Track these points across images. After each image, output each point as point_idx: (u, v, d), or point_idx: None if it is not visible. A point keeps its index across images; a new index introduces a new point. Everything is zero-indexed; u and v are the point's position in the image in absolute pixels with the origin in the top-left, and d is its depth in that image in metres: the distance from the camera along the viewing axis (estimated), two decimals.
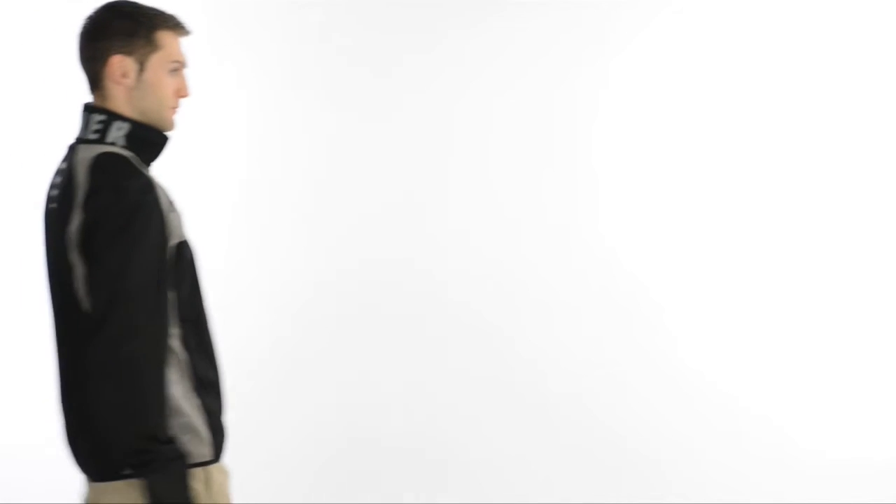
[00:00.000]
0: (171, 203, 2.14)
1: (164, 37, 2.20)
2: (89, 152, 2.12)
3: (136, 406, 2.01)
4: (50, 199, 2.19)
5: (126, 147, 2.16)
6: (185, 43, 2.25)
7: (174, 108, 2.22)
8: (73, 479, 4.22)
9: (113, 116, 2.17)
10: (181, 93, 2.22)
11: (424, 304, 4.58)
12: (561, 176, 4.58)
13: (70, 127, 2.25)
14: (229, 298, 4.51)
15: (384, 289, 4.54)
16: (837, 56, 4.50)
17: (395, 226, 4.58)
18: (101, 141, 2.16)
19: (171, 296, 2.12)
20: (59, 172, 2.20)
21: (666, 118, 4.55)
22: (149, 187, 2.08)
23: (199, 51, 4.35)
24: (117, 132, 2.17)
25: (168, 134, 2.24)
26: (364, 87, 4.55)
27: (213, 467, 2.15)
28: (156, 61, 2.18)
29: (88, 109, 2.19)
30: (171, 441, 2.05)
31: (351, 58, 4.56)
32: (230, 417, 2.27)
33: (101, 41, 2.17)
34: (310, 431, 4.39)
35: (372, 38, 4.55)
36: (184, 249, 2.15)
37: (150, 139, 2.20)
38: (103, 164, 2.09)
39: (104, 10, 2.22)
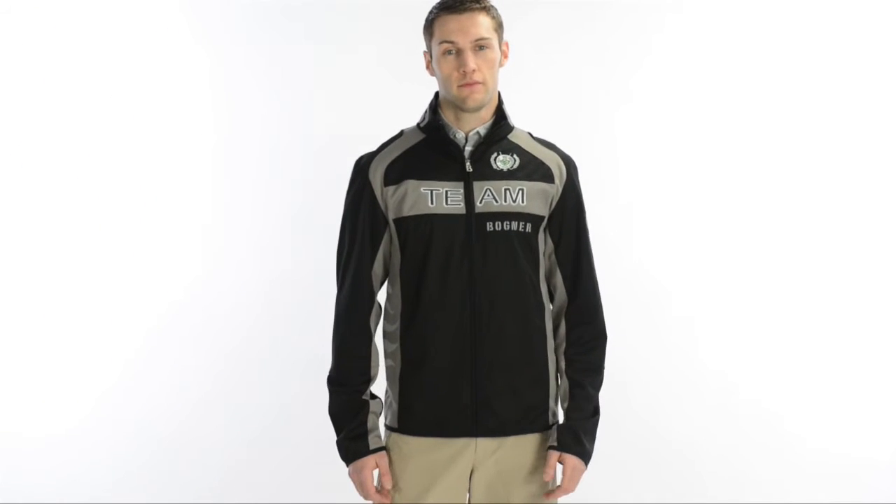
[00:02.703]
0: (397, 179, 2.33)
1: (436, 23, 2.33)
2: None
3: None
4: None
5: (422, 129, 2.40)
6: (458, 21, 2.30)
7: (462, 85, 2.30)
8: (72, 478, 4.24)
9: (432, 102, 2.42)
10: (461, 69, 2.29)
11: None
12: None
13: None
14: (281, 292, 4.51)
15: None
16: (876, 66, 4.52)
17: None
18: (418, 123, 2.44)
19: (395, 269, 2.37)
20: None
21: (685, 124, 4.57)
22: (363, 164, 2.39)
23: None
24: (422, 114, 2.43)
25: (454, 119, 2.36)
26: (372, 88, 4.55)
27: (397, 435, 2.39)
28: (434, 48, 2.34)
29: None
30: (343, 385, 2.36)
31: (360, 57, 4.56)
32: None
33: None
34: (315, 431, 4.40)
35: (379, 39, 4.55)
36: (406, 224, 2.32)
37: (431, 122, 2.38)
38: None
39: None
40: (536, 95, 4.36)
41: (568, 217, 2.42)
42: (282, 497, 4.23)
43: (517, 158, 2.38)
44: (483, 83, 2.31)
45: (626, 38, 4.55)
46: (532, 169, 2.38)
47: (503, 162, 2.37)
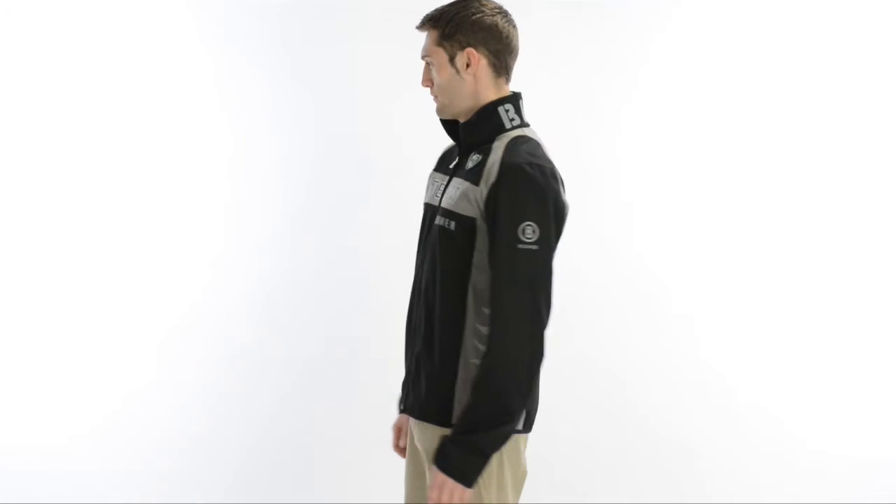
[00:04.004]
0: (434, 168, 2.49)
1: None
2: None
3: None
4: None
5: None
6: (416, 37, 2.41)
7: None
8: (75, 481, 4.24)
9: None
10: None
11: None
12: (586, 181, 4.58)
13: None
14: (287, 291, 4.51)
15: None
16: (878, 65, 4.52)
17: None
18: None
19: None
20: None
21: (686, 123, 4.57)
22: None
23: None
24: None
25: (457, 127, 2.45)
26: (374, 89, 4.56)
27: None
28: None
29: None
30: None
31: (365, 54, 4.57)
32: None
33: None
34: (318, 429, 4.40)
35: (382, 40, 4.56)
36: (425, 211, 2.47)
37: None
38: None
39: None
40: (536, 95, 4.35)
41: (489, 223, 2.29)
42: (294, 498, 4.23)
43: (479, 159, 2.37)
44: (437, 97, 2.39)
45: (628, 37, 4.56)
46: (476, 170, 2.34)
47: (472, 161, 2.38)
